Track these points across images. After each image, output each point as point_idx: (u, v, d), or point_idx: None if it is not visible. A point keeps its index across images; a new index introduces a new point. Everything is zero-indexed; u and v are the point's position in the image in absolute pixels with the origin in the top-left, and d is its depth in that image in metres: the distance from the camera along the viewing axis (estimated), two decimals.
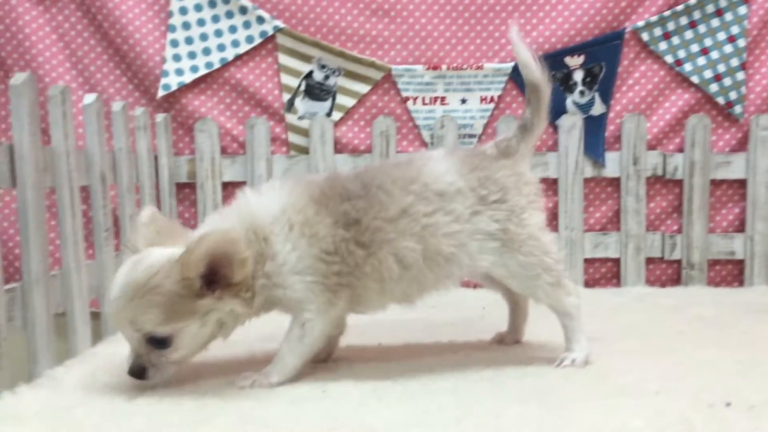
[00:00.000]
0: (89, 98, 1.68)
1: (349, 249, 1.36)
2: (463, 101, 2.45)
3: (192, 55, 2.40)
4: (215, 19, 2.40)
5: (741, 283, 2.46)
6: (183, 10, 2.39)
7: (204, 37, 2.40)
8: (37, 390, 1.31)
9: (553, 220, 2.45)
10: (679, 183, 2.45)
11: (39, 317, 1.39)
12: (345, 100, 2.44)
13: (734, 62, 2.42)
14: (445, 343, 1.68)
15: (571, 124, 2.41)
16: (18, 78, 1.34)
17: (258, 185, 1.47)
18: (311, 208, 1.36)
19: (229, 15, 2.40)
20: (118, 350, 1.46)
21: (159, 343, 1.26)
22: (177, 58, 2.38)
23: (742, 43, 2.42)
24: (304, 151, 2.43)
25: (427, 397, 1.24)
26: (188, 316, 1.25)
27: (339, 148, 2.44)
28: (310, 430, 1.09)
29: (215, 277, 1.26)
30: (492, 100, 2.44)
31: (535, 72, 1.51)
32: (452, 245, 1.41)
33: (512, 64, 2.41)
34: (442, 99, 2.45)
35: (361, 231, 1.37)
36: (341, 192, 1.39)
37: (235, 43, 2.40)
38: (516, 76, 2.42)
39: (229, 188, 2.43)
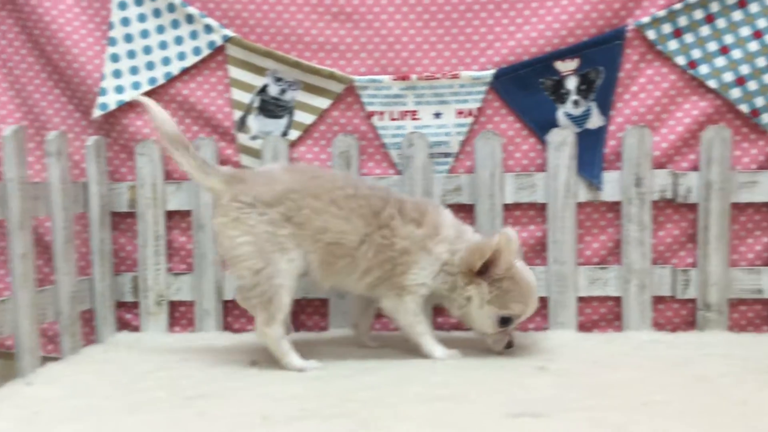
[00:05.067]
0: None
1: None
2: (437, 115, 2.13)
3: (134, 71, 2.17)
4: (160, 29, 2.17)
5: None
6: (125, 21, 2.16)
7: (148, 50, 2.17)
8: None
9: (542, 251, 2.11)
10: (694, 207, 2.07)
11: None
12: (303, 117, 2.16)
13: (761, 62, 2.01)
14: None
15: (561, 140, 2.06)
16: None
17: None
18: None
19: (175, 25, 2.16)
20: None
21: None
22: (117, 74, 2.16)
23: None
24: None
25: None
26: None
27: None
28: None
29: None
30: (470, 113, 2.12)
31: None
32: None
33: (493, 71, 2.09)
34: (413, 113, 2.14)
35: None
36: None
37: (181, 56, 2.16)
38: (498, 85, 2.09)
39: (176, 218, 2.19)
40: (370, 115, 2.14)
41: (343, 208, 1.74)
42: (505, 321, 1.77)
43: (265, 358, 1.76)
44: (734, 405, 1.38)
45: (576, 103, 2.08)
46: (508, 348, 1.81)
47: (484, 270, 1.73)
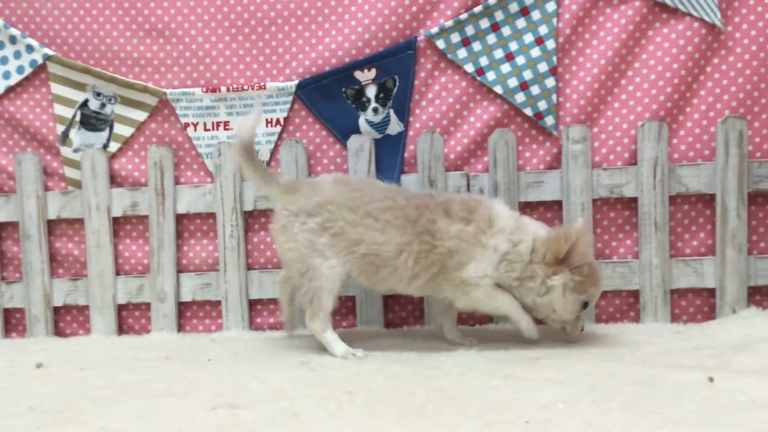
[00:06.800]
0: None
1: None
2: None
3: None
4: None
5: None
6: None
7: None
8: None
9: None
10: None
11: None
12: (123, 130, 2.27)
13: (542, 67, 2.11)
14: None
15: (359, 146, 2.17)
16: None
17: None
18: None
19: (0, 46, 2.27)
20: None
21: None
22: None
23: (551, 44, 2.11)
24: (81, 186, 2.27)
25: None
26: None
27: (119, 181, 2.27)
28: None
29: None
30: (278, 122, 2.22)
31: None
32: None
33: (296, 81, 2.19)
34: (225, 124, 2.24)
35: None
36: None
37: (6, 75, 2.27)
38: (302, 95, 2.20)
39: (9, 229, 2.30)
40: (186, 126, 2.25)
41: (378, 220, 1.81)
42: (584, 305, 1.83)
43: (53, 362, 1.88)
44: (430, 392, 1.48)
45: (376, 110, 2.19)
46: (582, 331, 1.88)
47: (565, 258, 1.77)
